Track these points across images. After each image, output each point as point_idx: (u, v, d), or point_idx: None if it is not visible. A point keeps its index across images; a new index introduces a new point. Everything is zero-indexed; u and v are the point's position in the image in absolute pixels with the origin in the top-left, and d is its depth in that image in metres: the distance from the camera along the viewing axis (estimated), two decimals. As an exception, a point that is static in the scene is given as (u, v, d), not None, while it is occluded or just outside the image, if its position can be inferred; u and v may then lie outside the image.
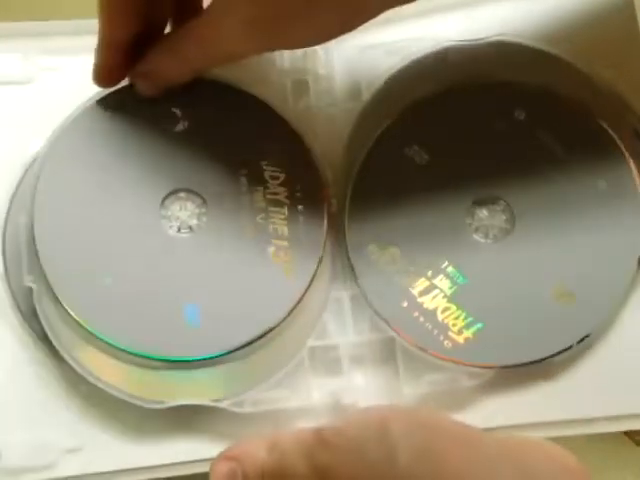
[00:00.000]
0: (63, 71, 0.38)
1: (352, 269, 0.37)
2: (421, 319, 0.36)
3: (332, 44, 0.37)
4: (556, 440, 0.31)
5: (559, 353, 0.36)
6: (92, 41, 0.38)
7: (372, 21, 0.34)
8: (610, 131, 0.38)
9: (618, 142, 0.38)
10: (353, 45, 0.39)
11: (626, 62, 0.39)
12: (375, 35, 0.39)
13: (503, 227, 0.37)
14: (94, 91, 0.37)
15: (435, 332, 0.36)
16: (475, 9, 0.40)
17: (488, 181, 0.38)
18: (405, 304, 0.37)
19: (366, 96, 0.39)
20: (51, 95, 0.38)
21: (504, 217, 0.37)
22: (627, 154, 0.38)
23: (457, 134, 0.38)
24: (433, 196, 0.37)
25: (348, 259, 0.37)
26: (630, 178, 0.37)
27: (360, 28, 0.34)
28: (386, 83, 0.39)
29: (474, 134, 0.38)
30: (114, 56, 0.35)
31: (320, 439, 0.30)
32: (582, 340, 0.36)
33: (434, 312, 0.37)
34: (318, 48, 0.39)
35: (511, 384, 0.37)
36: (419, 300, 0.37)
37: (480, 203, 0.38)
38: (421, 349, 0.36)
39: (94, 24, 0.34)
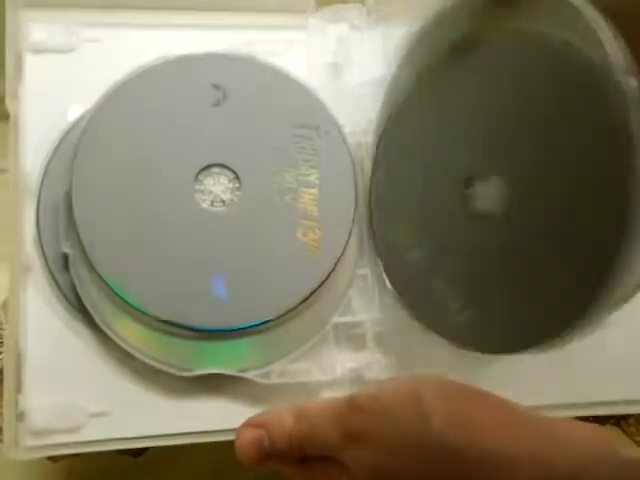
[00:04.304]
0: (103, 43, 0.39)
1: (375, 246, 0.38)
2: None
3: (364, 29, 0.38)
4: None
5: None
6: (131, 16, 0.38)
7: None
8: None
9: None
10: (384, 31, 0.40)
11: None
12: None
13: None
14: (132, 63, 0.37)
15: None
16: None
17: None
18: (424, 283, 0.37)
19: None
20: (90, 66, 0.38)
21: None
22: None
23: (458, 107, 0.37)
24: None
25: (373, 237, 0.38)
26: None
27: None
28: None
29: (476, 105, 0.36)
30: None
31: (353, 405, 0.30)
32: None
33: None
34: (351, 33, 0.40)
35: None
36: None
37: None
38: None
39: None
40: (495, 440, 0.28)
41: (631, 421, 0.46)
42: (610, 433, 0.31)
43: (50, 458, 0.39)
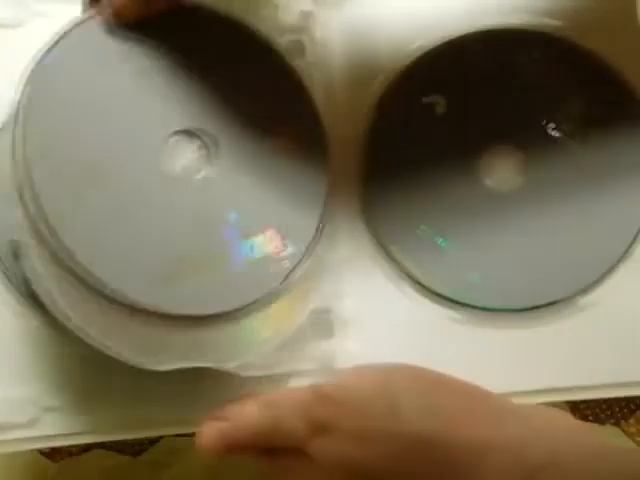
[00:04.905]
0: (54, 17, 0.36)
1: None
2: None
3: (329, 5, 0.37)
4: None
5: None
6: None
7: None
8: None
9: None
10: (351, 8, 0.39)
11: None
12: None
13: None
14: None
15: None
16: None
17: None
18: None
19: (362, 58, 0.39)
20: (41, 41, 0.35)
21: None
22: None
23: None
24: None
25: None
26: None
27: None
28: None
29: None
30: None
31: (319, 394, 0.29)
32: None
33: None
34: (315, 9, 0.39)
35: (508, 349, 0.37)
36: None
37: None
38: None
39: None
40: (465, 429, 0.28)
41: (631, 421, 0.46)
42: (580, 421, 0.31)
43: (50, 458, 0.39)
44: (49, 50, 0.33)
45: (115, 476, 0.43)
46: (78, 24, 0.34)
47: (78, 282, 0.33)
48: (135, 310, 0.33)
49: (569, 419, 0.30)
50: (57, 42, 0.34)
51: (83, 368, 0.35)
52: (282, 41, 0.38)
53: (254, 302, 0.34)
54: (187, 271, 0.33)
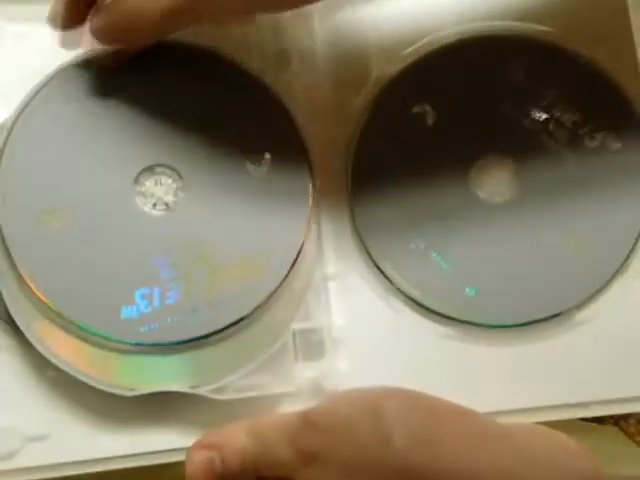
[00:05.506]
0: (30, 38, 0.36)
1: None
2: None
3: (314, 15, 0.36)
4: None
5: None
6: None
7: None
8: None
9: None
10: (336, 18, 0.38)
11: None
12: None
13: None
14: (61, 60, 0.35)
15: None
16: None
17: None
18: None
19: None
20: (15, 63, 0.36)
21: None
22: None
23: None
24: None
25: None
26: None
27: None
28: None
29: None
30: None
31: (306, 421, 0.28)
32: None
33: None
34: (301, 19, 0.37)
35: (502, 366, 0.36)
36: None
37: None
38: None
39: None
40: (458, 461, 0.26)
41: (631, 421, 0.45)
42: (576, 442, 0.29)
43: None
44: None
45: (115, 476, 0.41)
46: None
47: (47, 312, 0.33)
48: (107, 340, 0.33)
49: (569, 445, 0.29)
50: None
51: (64, 394, 0.34)
52: (267, 51, 0.37)
53: (228, 327, 0.33)
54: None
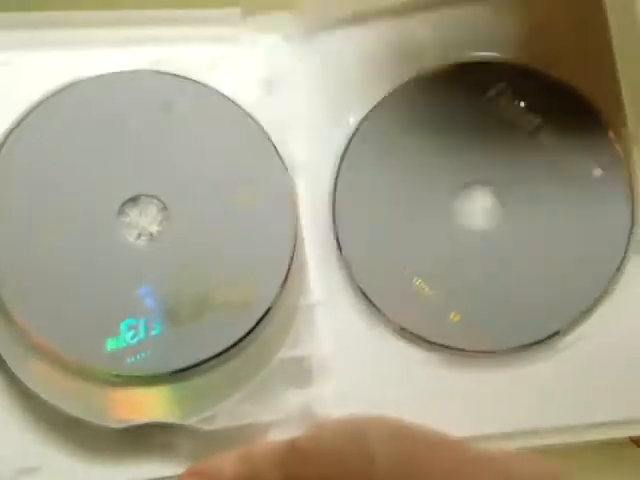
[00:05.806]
0: (12, 66, 0.36)
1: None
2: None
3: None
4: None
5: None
6: (44, 35, 0.36)
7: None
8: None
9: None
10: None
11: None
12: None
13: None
14: (46, 87, 0.35)
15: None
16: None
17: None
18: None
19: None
20: (1, 89, 0.35)
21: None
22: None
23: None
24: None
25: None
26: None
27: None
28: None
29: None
30: None
31: (293, 448, 0.28)
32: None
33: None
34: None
35: (489, 392, 0.36)
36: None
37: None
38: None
39: (47, 16, 0.33)
40: None
41: None
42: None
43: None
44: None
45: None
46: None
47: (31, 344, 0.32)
48: (92, 372, 0.32)
49: (555, 473, 0.28)
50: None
51: (51, 425, 0.33)
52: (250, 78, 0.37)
53: (215, 357, 0.33)
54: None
